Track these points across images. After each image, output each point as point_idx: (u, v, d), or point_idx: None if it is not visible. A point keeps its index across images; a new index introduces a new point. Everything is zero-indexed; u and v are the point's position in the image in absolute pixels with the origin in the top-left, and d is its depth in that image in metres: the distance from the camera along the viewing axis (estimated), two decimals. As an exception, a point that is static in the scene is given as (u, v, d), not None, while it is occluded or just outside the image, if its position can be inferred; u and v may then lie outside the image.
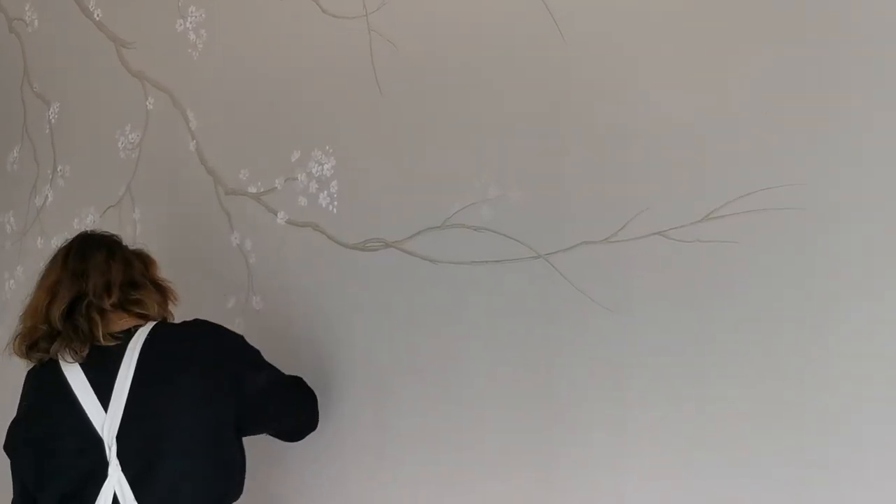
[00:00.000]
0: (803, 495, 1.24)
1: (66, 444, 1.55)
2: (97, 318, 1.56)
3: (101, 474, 1.51)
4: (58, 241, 2.44)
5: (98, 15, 2.38)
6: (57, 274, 1.61)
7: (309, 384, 1.78)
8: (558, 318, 1.48)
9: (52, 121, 2.54)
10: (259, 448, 1.75)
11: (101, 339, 1.55)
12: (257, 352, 1.68)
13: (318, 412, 1.78)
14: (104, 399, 1.53)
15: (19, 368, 1.69)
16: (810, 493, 1.24)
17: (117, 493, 1.50)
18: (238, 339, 1.68)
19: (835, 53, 1.21)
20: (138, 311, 1.62)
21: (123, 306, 1.60)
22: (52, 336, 1.57)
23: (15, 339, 1.62)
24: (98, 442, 1.52)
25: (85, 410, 1.53)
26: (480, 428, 1.60)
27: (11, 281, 2.67)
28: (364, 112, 1.76)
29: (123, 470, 1.51)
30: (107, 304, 1.57)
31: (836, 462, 1.21)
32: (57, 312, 1.56)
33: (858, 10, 1.20)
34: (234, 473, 1.61)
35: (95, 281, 1.58)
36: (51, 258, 1.67)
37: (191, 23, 2.11)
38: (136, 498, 1.50)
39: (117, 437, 1.51)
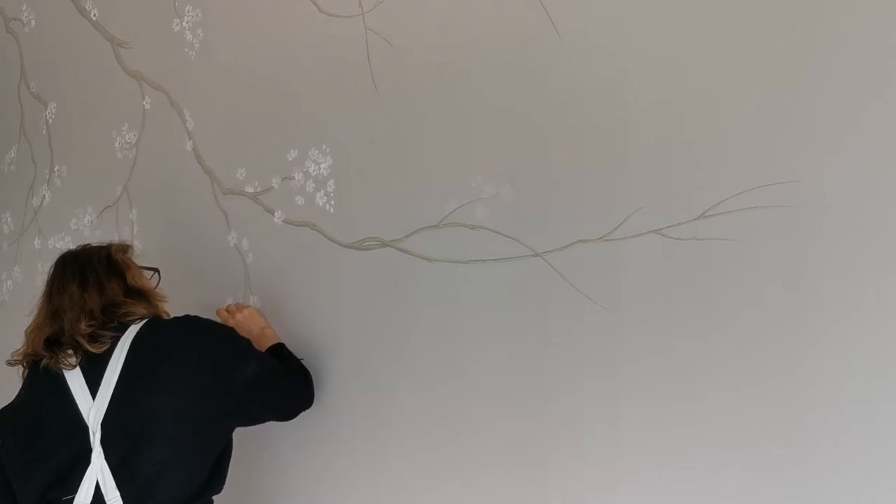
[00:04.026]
0: (794, 490, 1.25)
1: (53, 429, 1.57)
2: (80, 340, 1.58)
3: (84, 461, 1.53)
4: (55, 241, 2.46)
5: (95, 15, 2.38)
6: (43, 313, 1.66)
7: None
8: (555, 317, 1.49)
9: (49, 121, 2.54)
10: (245, 439, 1.76)
11: (92, 350, 1.58)
12: (248, 343, 1.70)
13: (311, 392, 1.80)
14: (93, 388, 1.56)
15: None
16: (801, 488, 1.24)
17: (99, 480, 1.52)
18: (227, 332, 1.71)
19: (830, 51, 1.21)
20: (128, 320, 1.63)
21: (111, 322, 1.62)
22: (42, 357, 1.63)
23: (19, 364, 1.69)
24: (84, 429, 1.54)
25: (74, 397, 1.56)
26: (475, 427, 1.60)
27: (9, 282, 2.67)
28: (360, 111, 1.76)
29: (106, 457, 1.53)
30: (85, 330, 1.59)
31: (827, 457, 1.22)
32: (39, 348, 1.61)
33: (854, 9, 1.20)
34: (217, 467, 1.63)
35: (71, 316, 1.61)
36: (43, 287, 1.71)
37: (187, 22, 2.11)
38: (118, 486, 1.52)
39: (102, 424, 1.53)
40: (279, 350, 1.81)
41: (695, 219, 1.33)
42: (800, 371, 1.24)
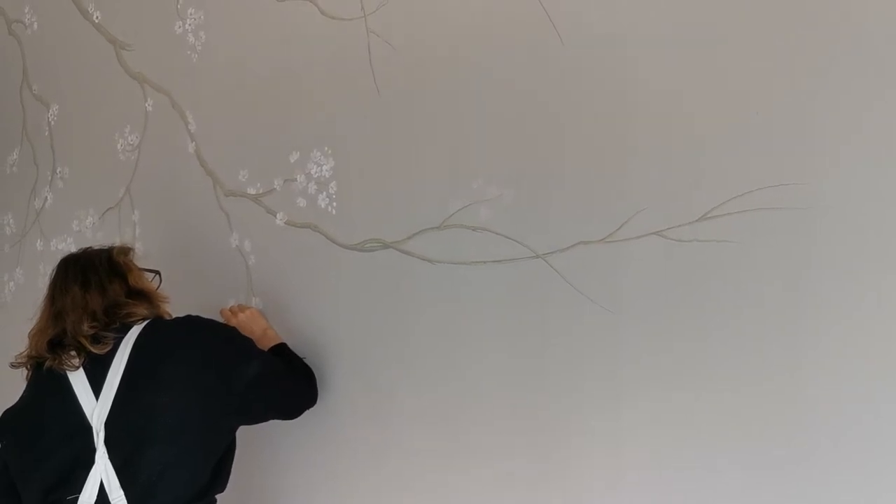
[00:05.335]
0: (794, 490, 1.26)
1: (53, 429, 1.58)
2: (83, 341, 1.59)
3: (87, 461, 1.54)
4: (57, 243, 2.46)
5: (97, 17, 2.39)
6: (46, 315, 1.67)
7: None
8: (555, 318, 1.49)
9: (52, 123, 2.55)
10: (247, 439, 1.77)
11: (95, 351, 1.59)
12: (250, 342, 1.71)
13: (315, 391, 1.80)
14: (97, 389, 1.57)
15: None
16: (801, 488, 1.25)
17: (103, 480, 1.53)
18: (229, 332, 1.72)
19: (831, 53, 1.22)
20: (130, 321, 1.64)
21: (113, 323, 1.63)
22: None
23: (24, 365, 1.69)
24: (87, 429, 1.55)
25: (77, 398, 1.57)
26: (476, 427, 1.60)
27: (11, 283, 2.68)
28: (362, 113, 1.76)
29: (110, 457, 1.53)
30: (87, 331, 1.60)
31: (827, 457, 1.22)
32: (43, 350, 1.62)
33: (855, 10, 1.20)
34: (220, 467, 1.64)
35: (73, 318, 1.62)
36: (46, 290, 1.72)
37: (190, 24, 2.11)
38: (122, 485, 1.53)
39: (105, 424, 1.54)
40: (281, 350, 1.81)
41: (696, 220, 1.34)
42: (800, 371, 1.24)
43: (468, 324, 1.61)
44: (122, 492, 1.52)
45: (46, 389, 1.62)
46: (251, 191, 1.99)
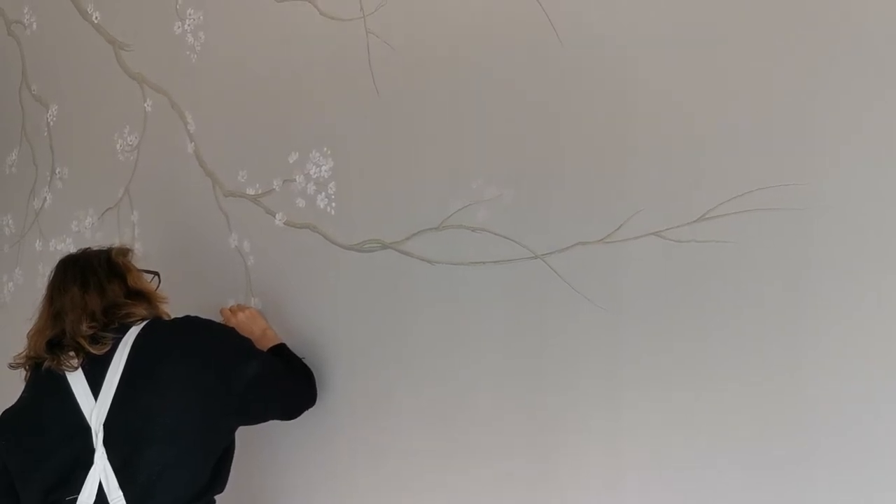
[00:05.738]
0: (794, 490, 1.26)
1: (53, 430, 1.58)
2: (82, 341, 1.59)
3: (87, 462, 1.54)
4: (56, 243, 2.46)
5: (96, 17, 2.39)
6: (45, 315, 1.67)
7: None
8: (554, 318, 1.49)
9: (51, 123, 2.55)
10: (246, 439, 1.77)
11: (94, 351, 1.58)
12: (249, 343, 1.71)
13: (314, 391, 1.80)
14: (95, 389, 1.57)
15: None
16: (801, 488, 1.25)
17: (102, 480, 1.53)
18: (228, 333, 1.72)
19: (831, 53, 1.22)
20: (129, 321, 1.64)
21: (111, 324, 1.62)
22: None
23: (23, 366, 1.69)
24: (86, 429, 1.55)
25: (76, 398, 1.57)
26: (474, 428, 1.60)
27: (10, 284, 2.68)
28: (362, 114, 1.76)
29: (109, 458, 1.53)
30: (86, 331, 1.60)
31: (827, 457, 1.22)
32: (41, 350, 1.62)
33: (855, 10, 1.20)
34: (219, 467, 1.63)
35: (72, 318, 1.62)
36: (45, 290, 1.72)
37: (189, 25, 2.11)
38: (121, 486, 1.53)
39: (104, 425, 1.54)
40: (280, 350, 1.81)
41: (694, 221, 1.34)
42: (800, 371, 1.24)
43: (467, 324, 1.61)
44: (121, 492, 1.52)
45: (45, 390, 1.62)
46: (250, 191, 1.98)
